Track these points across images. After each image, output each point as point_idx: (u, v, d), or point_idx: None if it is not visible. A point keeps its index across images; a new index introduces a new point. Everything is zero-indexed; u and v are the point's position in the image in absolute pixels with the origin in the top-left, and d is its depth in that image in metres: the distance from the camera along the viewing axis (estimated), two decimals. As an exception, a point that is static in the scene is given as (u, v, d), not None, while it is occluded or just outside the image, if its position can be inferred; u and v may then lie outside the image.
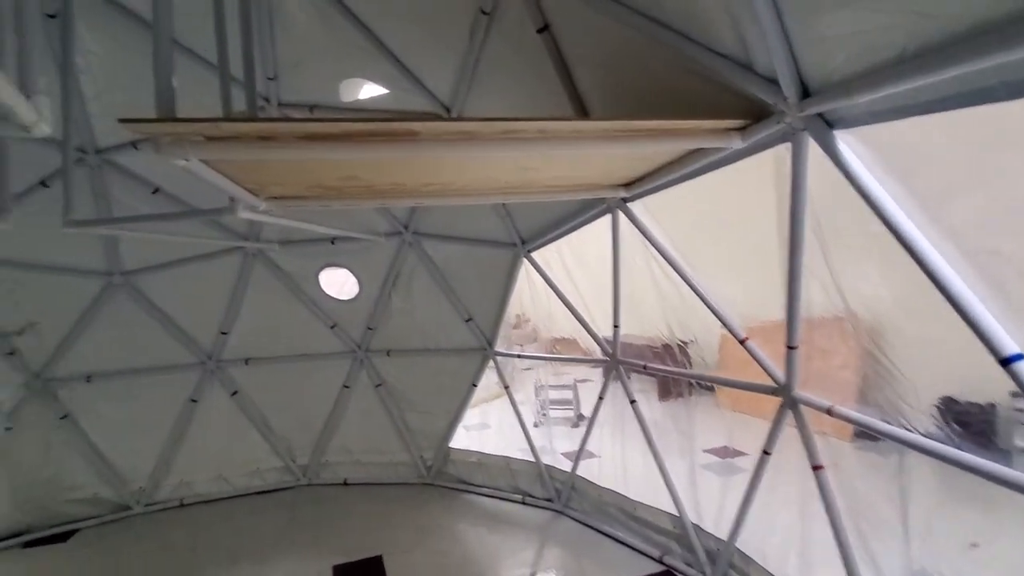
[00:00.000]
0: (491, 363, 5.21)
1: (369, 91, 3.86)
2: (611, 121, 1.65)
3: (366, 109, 3.87)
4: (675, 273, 3.08)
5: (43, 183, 4.04)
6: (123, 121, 1.37)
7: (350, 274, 5.22)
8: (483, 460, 5.37)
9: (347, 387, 5.53)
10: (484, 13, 2.78)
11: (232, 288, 5.10)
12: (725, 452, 5.63)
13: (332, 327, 5.38)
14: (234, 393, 5.38)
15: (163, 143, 1.50)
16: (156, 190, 4.42)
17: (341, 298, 5.34)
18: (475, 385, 5.26)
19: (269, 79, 3.67)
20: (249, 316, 5.26)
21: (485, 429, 5.99)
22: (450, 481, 5.48)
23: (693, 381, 3.97)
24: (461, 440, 5.57)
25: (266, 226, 4.80)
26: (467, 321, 5.08)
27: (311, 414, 5.61)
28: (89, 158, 4.04)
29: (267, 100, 3.74)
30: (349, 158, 1.72)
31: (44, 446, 4.76)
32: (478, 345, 5.17)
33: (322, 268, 5.16)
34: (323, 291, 5.27)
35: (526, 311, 9.94)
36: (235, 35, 2.45)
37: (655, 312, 3.50)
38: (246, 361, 5.36)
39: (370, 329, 5.37)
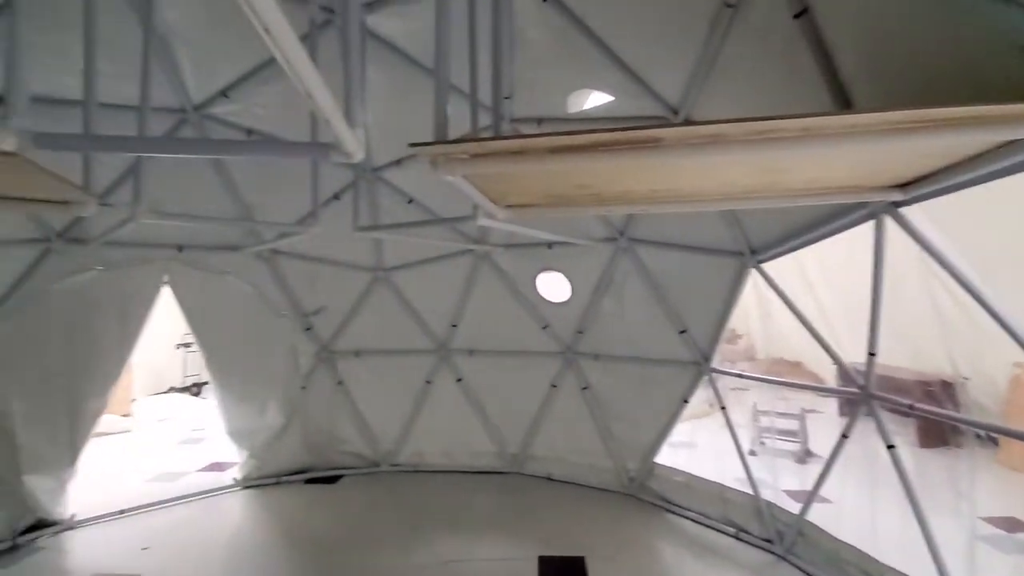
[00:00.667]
0: (704, 379, 4.89)
1: (594, 100, 3.96)
2: (900, 111, 1.39)
3: (590, 118, 3.97)
4: (967, 295, 2.46)
5: (335, 196, 5.09)
6: (413, 145, 1.64)
7: (563, 278, 5.44)
8: (691, 482, 5.06)
9: (554, 386, 5.76)
10: (728, 6, 2.62)
11: (462, 286, 5.75)
12: (1014, 525, 4.35)
13: (544, 327, 5.67)
14: (459, 380, 6.04)
15: (438, 162, 1.75)
16: (411, 200, 5.22)
17: (554, 300, 5.60)
18: (686, 401, 4.99)
19: (505, 98, 4.02)
20: (474, 311, 5.86)
21: (692, 448, 5.66)
22: (653, 496, 5.31)
23: (980, 432, 3.14)
24: (666, 456, 5.35)
25: (493, 231, 5.29)
26: (681, 333, 4.85)
27: (521, 407, 5.99)
28: (367, 175, 4.95)
29: (502, 118, 4.10)
30: (592, 167, 1.78)
31: (326, 405, 6.00)
32: (691, 359, 4.89)
33: (539, 271, 5.47)
34: (538, 293, 5.58)
35: (741, 326, 9.08)
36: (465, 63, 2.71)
37: (931, 341, 2.86)
38: (470, 352, 5.97)
39: (579, 332, 5.51)
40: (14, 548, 4.36)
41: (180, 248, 5.05)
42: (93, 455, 5.73)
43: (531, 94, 3.95)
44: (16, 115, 1.68)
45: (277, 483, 5.78)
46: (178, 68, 3.91)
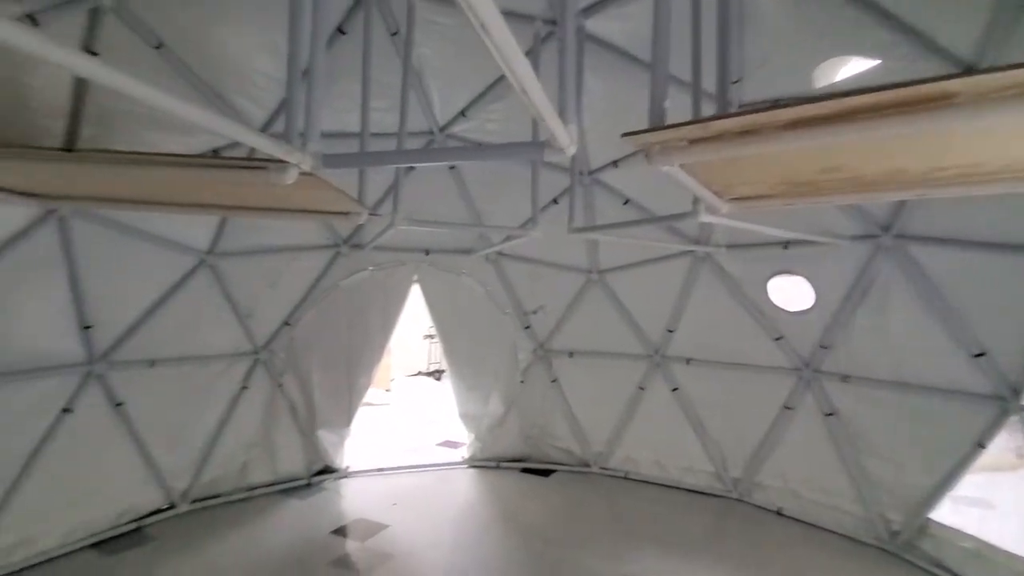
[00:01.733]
0: (1012, 420, 3.69)
1: (849, 70, 3.33)
2: None
3: (843, 92, 3.34)
4: None
5: (554, 201, 5.30)
6: (626, 135, 1.57)
7: (804, 283, 4.70)
8: (985, 551, 3.87)
9: (789, 408, 5.02)
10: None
11: (680, 289, 5.43)
12: None
13: (777, 339, 4.99)
14: (674, 389, 5.71)
15: (653, 152, 1.64)
16: (626, 201, 5.14)
17: (790, 309, 4.88)
18: (982, 446, 3.84)
19: (733, 83, 3.65)
20: (693, 317, 5.47)
21: (987, 508, 4.34)
22: (926, 561, 4.20)
23: None
24: (947, 513, 4.19)
25: (716, 229, 4.86)
26: (976, 356, 3.76)
27: (746, 427, 5.38)
28: (583, 178, 5.03)
29: (729, 104, 3.74)
30: (848, 143, 1.47)
31: (541, 400, 6.30)
32: (991, 391, 3.75)
33: (773, 275, 4.84)
34: (770, 299, 4.94)
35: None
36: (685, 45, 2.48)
37: None
38: (687, 361, 5.60)
39: (823, 348, 4.70)
40: (309, 486, 5.61)
41: (427, 252, 5.86)
42: (363, 420, 7.03)
43: (763, 76, 3.51)
44: (311, 142, 2.12)
45: (497, 467, 6.27)
46: (428, 97, 4.53)
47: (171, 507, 4.87)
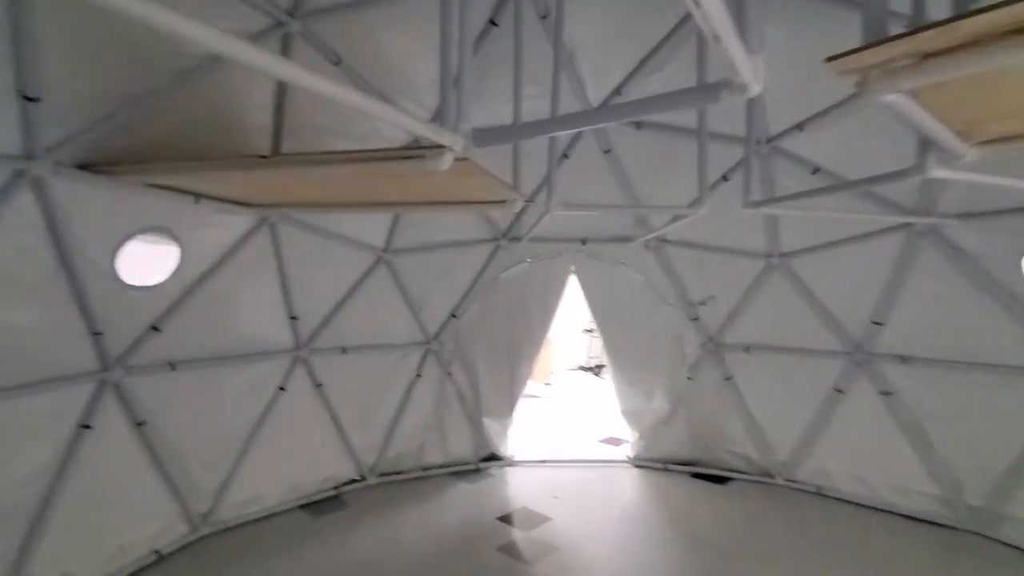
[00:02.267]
0: None
1: None
2: None
3: None
4: None
5: (724, 177, 4.76)
6: (831, 59, 1.23)
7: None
8: None
9: (1062, 422, 3.84)
10: None
11: (890, 273, 4.49)
12: None
13: (1040, 332, 3.84)
14: (886, 393, 4.75)
15: (871, 79, 1.27)
16: (816, 170, 4.40)
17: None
18: None
19: None
20: (909, 306, 4.49)
21: None
22: None
23: None
24: None
25: (944, 197, 3.91)
26: None
27: (990, 443, 4.26)
28: (761, 148, 4.42)
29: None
30: None
31: (713, 399, 5.74)
32: None
33: (1031, 248, 3.74)
34: (1027, 281, 3.82)
35: None
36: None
37: None
38: (902, 359, 4.61)
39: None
40: (476, 471, 5.85)
41: (583, 241, 5.71)
42: (525, 411, 7.16)
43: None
44: (462, 123, 2.11)
45: (665, 469, 5.88)
46: (580, 78, 4.38)
47: (362, 479, 5.44)
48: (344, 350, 5.18)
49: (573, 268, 5.83)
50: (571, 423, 7.94)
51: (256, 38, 3.17)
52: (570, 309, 7.75)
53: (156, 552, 3.94)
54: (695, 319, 5.71)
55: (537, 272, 5.82)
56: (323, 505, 5.00)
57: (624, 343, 5.96)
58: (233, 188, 3.43)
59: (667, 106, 1.60)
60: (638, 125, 4.80)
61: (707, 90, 1.40)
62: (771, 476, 5.53)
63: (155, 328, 3.74)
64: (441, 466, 5.83)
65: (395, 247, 5.21)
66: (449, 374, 5.85)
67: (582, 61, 4.25)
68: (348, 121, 3.86)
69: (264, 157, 2.59)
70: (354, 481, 5.40)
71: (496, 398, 5.93)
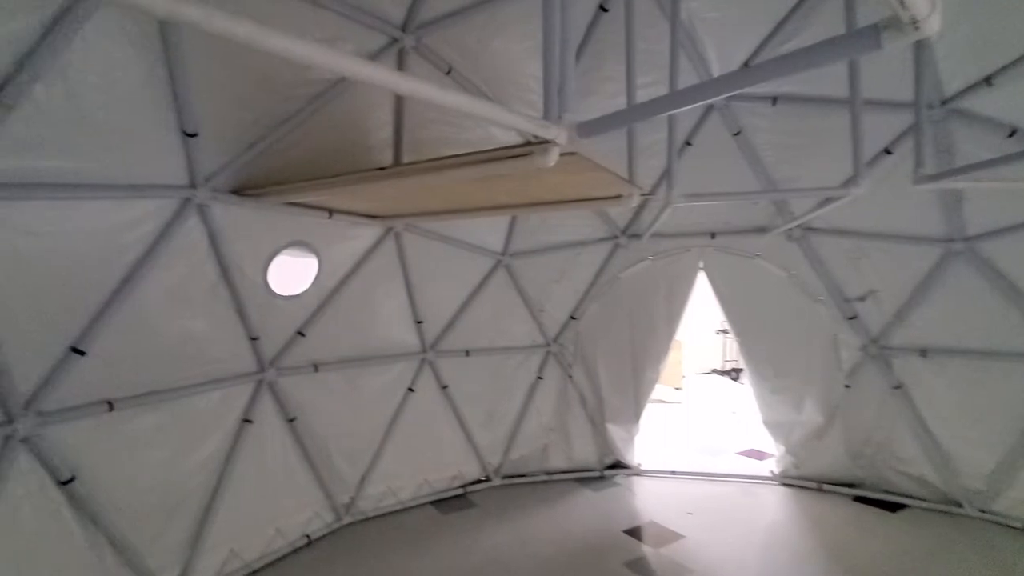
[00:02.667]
0: None
1: None
2: None
3: None
4: None
5: (886, 150, 4.06)
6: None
7: None
8: None
9: None
10: None
11: None
12: None
13: None
14: None
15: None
16: (1012, 133, 3.57)
17: None
18: None
19: None
20: None
21: None
22: None
23: None
24: None
25: None
26: None
27: None
28: (934, 112, 3.69)
29: None
30: None
31: (877, 411, 4.92)
32: None
33: None
34: None
35: None
36: None
37: None
38: None
39: None
40: (601, 478, 5.64)
41: (712, 235, 5.24)
42: (653, 418, 6.80)
43: None
44: (566, 113, 1.98)
45: (819, 489, 5.17)
46: (703, 55, 4.02)
47: (487, 479, 5.53)
48: (467, 353, 5.30)
49: (702, 264, 5.38)
50: (706, 432, 7.36)
51: (375, 57, 3.34)
52: (702, 309, 7.20)
53: (307, 536, 4.34)
54: (852, 318, 4.94)
55: (661, 270, 5.47)
56: (452, 503, 5.15)
57: (764, 346, 5.35)
58: (360, 202, 3.66)
59: (813, 61, 1.31)
60: (773, 101, 4.29)
61: (864, 35, 1.11)
62: (957, 505, 4.58)
63: (300, 333, 4.12)
64: (565, 471, 5.71)
65: (513, 250, 5.22)
66: (570, 377, 5.73)
67: (704, 36, 3.90)
68: (461, 130, 3.93)
69: (381, 169, 2.69)
70: (480, 481, 5.50)
71: (620, 403, 5.67)
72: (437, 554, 4.22)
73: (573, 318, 5.67)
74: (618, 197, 3.27)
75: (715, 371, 11.74)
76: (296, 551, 4.21)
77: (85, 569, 2.92)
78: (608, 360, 5.67)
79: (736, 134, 4.54)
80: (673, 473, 5.72)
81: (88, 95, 2.22)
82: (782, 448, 5.43)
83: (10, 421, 2.51)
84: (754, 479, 5.52)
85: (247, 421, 3.85)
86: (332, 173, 2.92)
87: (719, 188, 4.54)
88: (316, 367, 4.29)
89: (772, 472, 5.51)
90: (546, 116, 2.04)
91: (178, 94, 2.57)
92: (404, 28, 3.38)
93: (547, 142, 2.07)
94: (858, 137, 3.07)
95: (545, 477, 5.65)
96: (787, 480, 5.37)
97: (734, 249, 5.24)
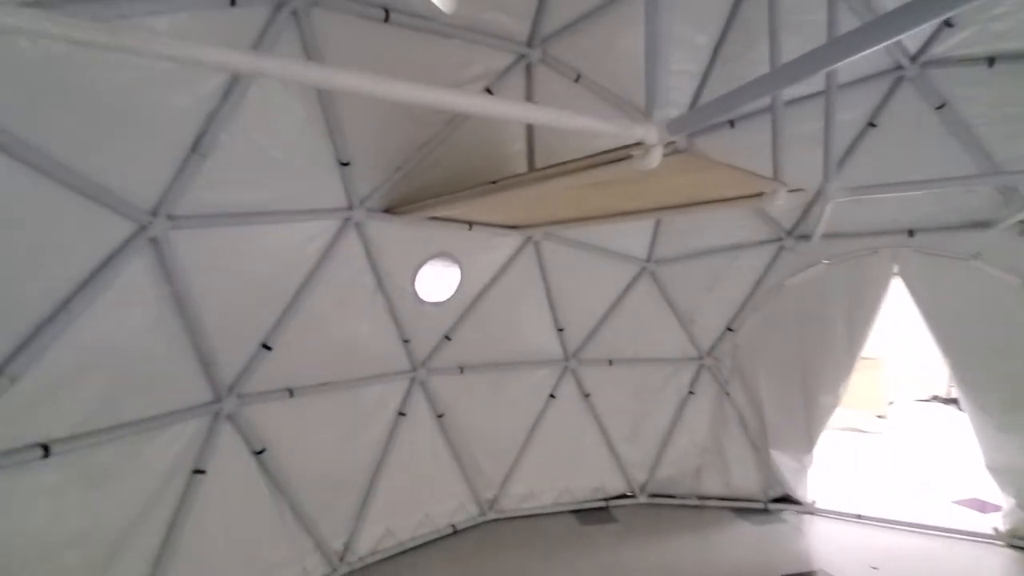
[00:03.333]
0: None
1: None
2: None
3: None
4: None
5: None
6: None
7: None
8: None
9: None
10: None
11: None
12: None
13: None
14: None
15: None
16: None
17: None
18: None
19: None
20: None
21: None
22: None
23: None
24: None
25: None
26: None
27: None
28: None
29: None
30: None
31: None
32: None
33: None
34: None
35: None
36: None
37: None
38: None
39: None
40: (764, 511, 5.01)
41: (911, 232, 4.33)
42: (841, 449, 5.82)
43: None
44: (657, 110, 1.83)
45: (1076, 563, 3.90)
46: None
47: (632, 495, 5.31)
48: (611, 362, 5.18)
49: (896, 269, 4.47)
50: (913, 472, 6.07)
51: (504, 74, 3.49)
52: (913, 322, 5.96)
53: (452, 526, 4.66)
54: None
55: (840, 276, 4.69)
56: (592, 515, 5.06)
57: (986, 372, 4.22)
58: (493, 213, 3.85)
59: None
60: (990, 62, 3.41)
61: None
62: None
63: (447, 337, 4.46)
64: (721, 498, 5.21)
65: (659, 256, 4.98)
66: (727, 394, 5.22)
67: None
68: (593, 136, 3.88)
69: (493, 183, 2.80)
70: (623, 496, 5.31)
71: (788, 428, 4.97)
72: (576, 566, 4.18)
73: (730, 330, 5.17)
74: (759, 195, 2.91)
75: (936, 398, 9.59)
76: (443, 538, 4.56)
77: (272, 529, 3.56)
78: (772, 379, 5.03)
79: (940, 107, 3.70)
80: (859, 517, 4.82)
81: (262, 139, 2.74)
82: (1011, 500, 4.19)
83: (218, 400, 3.18)
84: (971, 536, 4.35)
85: (401, 414, 4.30)
86: (466, 188, 3.12)
87: (917, 174, 3.74)
88: (462, 369, 4.61)
89: (996, 530, 4.29)
90: (647, 113, 1.92)
91: (332, 130, 3.01)
92: (530, 43, 3.46)
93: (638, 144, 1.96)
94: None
95: (697, 501, 5.22)
96: (1016, 541, 4.13)
97: (942, 249, 4.26)
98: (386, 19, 2.71)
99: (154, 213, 2.51)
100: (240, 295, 3.13)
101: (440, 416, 4.56)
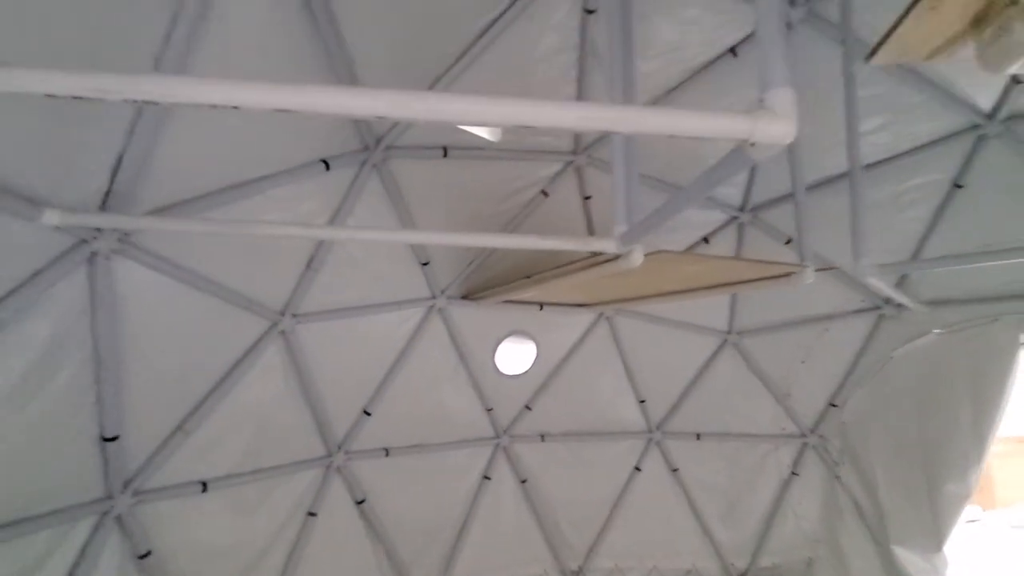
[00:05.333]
0: None
1: None
2: None
3: None
4: None
5: None
6: None
7: None
8: None
9: None
10: None
11: None
12: None
13: None
14: None
15: None
16: None
17: None
18: None
19: None
20: None
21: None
22: None
23: None
24: None
25: None
26: None
27: None
28: None
29: None
30: None
31: None
32: None
33: None
34: None
35: None
36: None
37: None
38: None
39: None
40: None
41: (1033, 297, 3.80)
42: (986, 547, 4.85)
43: None
44: (616, 225, 2.19)
45: None
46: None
47: (738, 584, 5.01)
48: (699, 436, 5.11)
49: (1023, 339, 3.90)
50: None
51: (556, 179, 4.05)
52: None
53: (539, 591, 4.88)
54: None
55: (958, 347, 4.19)
56: (685, 598, 4.88)
57: None
58: (555, 296, 4.30)
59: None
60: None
61: None
62: None
63: (527, 407, 4.89)
64: (837, 596, 4.67)
65: (740, 327, 4.93)
66: (837, 477, 4.78)
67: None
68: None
69: (527, 277, 3.30)
70: (726, 583, 5.02)
71: (911, 520, 4.36)
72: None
73: (833, 405, 4.81)
74: (787, 276, 2.99)
75: None
76: (529, 602, 4.79)
77: (369, 570, 4.19)
78: (889, 463, 4.53)
79: (1035, 162, 3.38)
80: (1021, 641, 3.98)
81: (358, 254, 3.61)
82: None
83: (330, 455, 3.98)
84: None
85: (486, 478, 4.76)
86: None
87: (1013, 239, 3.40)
88: (543, 437, 4.95)
89: None
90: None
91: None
92: (575, 152, 3.99)
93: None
94: None
95: (811, 597, 4.75)
96: None
97: (1084, 314, 3.65)
98: (444, 155, 3.46)
99: (282, 312, 3.46)
100: (348, 371, 3.97)
101: (523, 481, 4.91)
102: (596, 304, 4.63)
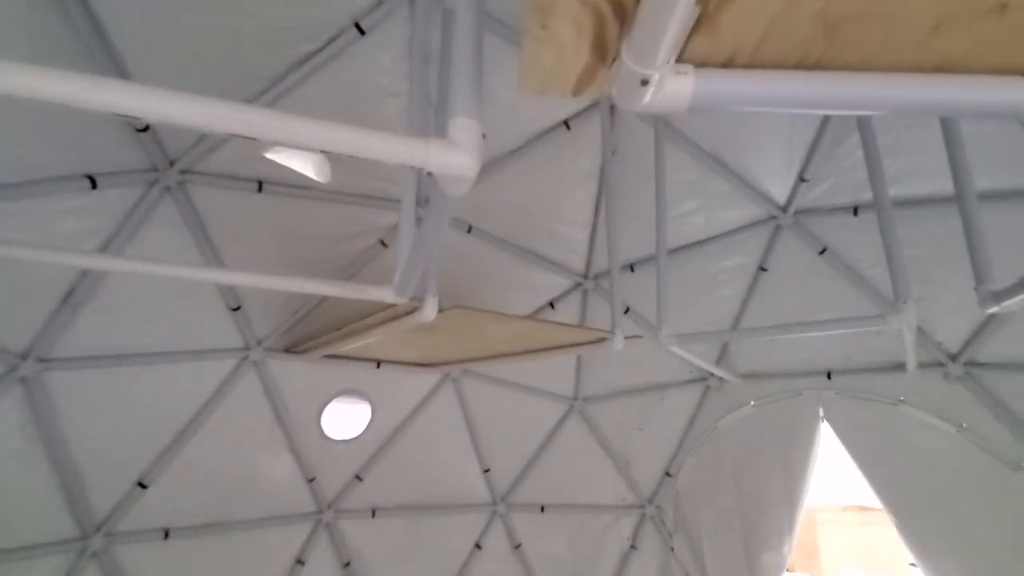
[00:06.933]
0: None
1: None
2: None
3: None
4: None
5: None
6: None
7: None
8: None
9: None
10: None
11: None
12: None
13: None
14: None
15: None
16: None
17: None
18: None
19: None
20: None
21: None
22: None
23: None
24: None
25: None
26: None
27: None
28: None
29: None
30: None
31: None
32: None
33: None
34: None
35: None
36: None
37: None
38: None
39: None
40: None
41: (828, 374, 4.17)
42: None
43: None
44: (397, 275, 2.03)
45: None
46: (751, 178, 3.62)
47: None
48: (543, 508, 4.91)
49: (822, 413, 4.24)
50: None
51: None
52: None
53: None
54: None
55: (769, 419, 4.46)
56: None
57: (936, 530, 3.75)
58: (391, 351, 4.01)
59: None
60: (855, 211, 3.56)
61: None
62: None
63: (358, 477, 4.40)
64: None
65: (586, 394, 4.93)
66: (672, 549, 4.77)
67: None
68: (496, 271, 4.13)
69: (338, 329, 3.02)
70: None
71: (732, 589, 4.43)
72: None
73: (668, 475, 4.87)
74: (601, 341, 2.98)
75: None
76: None
77: None
78: (714, 532, 4.60)
79: (822, 252, 3.79)
80: None
81: (141, 291, 3.09)
82: None
83: (84, 537, 3.20)
84: None
85: (299, 562, 4.12)
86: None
87: (814, 315, 3.73)
88: (374, 512, 4.45)
89: None
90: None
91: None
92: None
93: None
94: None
95: None
96: None
97: (864, 393, 4.05)
98: (259, 189, 3.15)
99: (24, 356, 2.81)
100: (119, 432, 3.29)
101: (347, 565, 4.33)
102: (432, 365, 4.38)
